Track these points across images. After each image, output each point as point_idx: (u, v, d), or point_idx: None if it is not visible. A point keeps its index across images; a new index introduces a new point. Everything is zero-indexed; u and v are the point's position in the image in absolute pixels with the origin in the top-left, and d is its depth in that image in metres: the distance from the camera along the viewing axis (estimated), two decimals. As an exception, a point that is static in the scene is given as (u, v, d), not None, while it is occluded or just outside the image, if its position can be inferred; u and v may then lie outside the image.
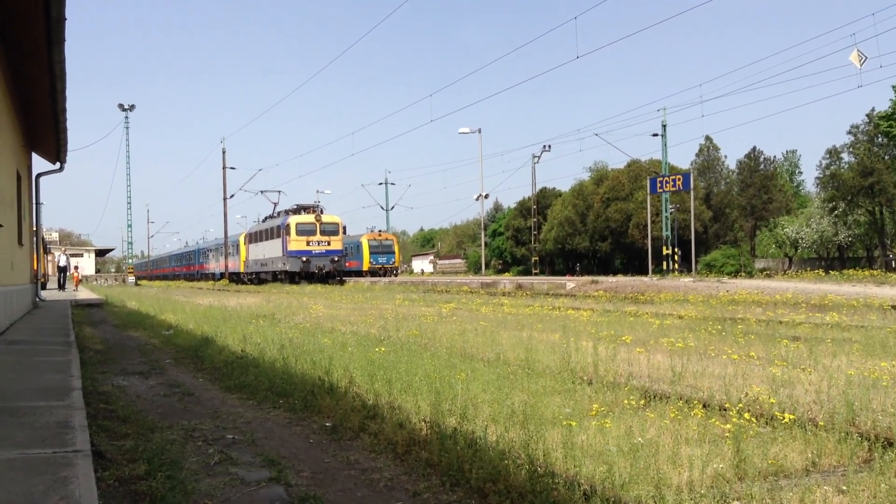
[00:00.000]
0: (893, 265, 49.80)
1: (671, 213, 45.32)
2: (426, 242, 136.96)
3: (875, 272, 34.13)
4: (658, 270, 39.44)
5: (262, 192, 57.24)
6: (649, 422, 5.20)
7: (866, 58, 27.60)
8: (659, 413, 5.40)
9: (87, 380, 7.34)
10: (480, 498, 3.96)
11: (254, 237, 53.77)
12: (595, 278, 31.07)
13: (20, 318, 14.76)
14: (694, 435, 4.90)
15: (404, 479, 4.35)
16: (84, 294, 33.43)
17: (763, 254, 68.41)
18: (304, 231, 45.01)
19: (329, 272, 44.80)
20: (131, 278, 62.79)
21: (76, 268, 49.79)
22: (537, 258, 59.06)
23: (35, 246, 21.53)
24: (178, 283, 68.19)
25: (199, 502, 3.94)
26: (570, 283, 29.32)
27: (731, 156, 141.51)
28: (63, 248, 55.92)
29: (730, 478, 4.14)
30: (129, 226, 60.72)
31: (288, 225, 45.10)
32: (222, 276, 61.29)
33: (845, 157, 54.28)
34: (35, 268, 21.61)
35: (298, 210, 47.43)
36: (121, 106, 55.74)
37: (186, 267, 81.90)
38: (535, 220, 59.18)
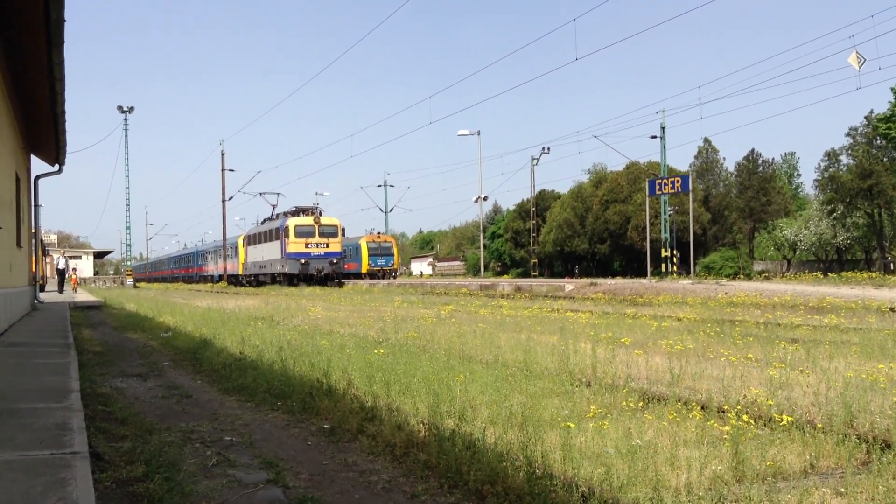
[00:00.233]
0: (892, 267, 49.84)
1: (670, 216, 45.34)
2: (425, 244, 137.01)
3: (874, 274, 34.17)
4: (657, 272, 39.46)
5: (260, 194, 57.24)
6: (647, 423, 5.20)
7: (865, 60, 27.65)
8: (657, 415, 5.40)
9: (86, 382, 7.33)
10: (479, 500, 3.96)
11: (252, 239, 53.74)
12: (594, 280, 31.08)
13: (19, 320, 14.75)
14: (692, 437, 4.90)
15: (402, 481, 4.35)
16: (82, 296, 33.41)
17: (762, 256, 68.51)
18: (302, 233, 44.98)
19: (328, 274, 44.77)
20: (130, 280, 62.68)
21: (74, 270, 49.76)
22: (536, 260, 59.09)
23: (34, 248, 21.52)
24: (176, 286, 68.15)
25: (198, 504, 3.94)
26: (569, 285, 29.33)
27: (730, 158, 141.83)
28: (62, 251, 55.94)
29: (728, 480, 4.14)
30: (128, 228, 60.71)
31: (287, 227, 45.09)
32: (221, 278, 61.24)
33: (844, 159, 54.44)
34: (33, 270, 21.60)
35: (297, 212, 47.40)
36: (120, 108, 55.75)
37: (185, 269, 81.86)
38: (533, 222, 59.21)
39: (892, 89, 46.13)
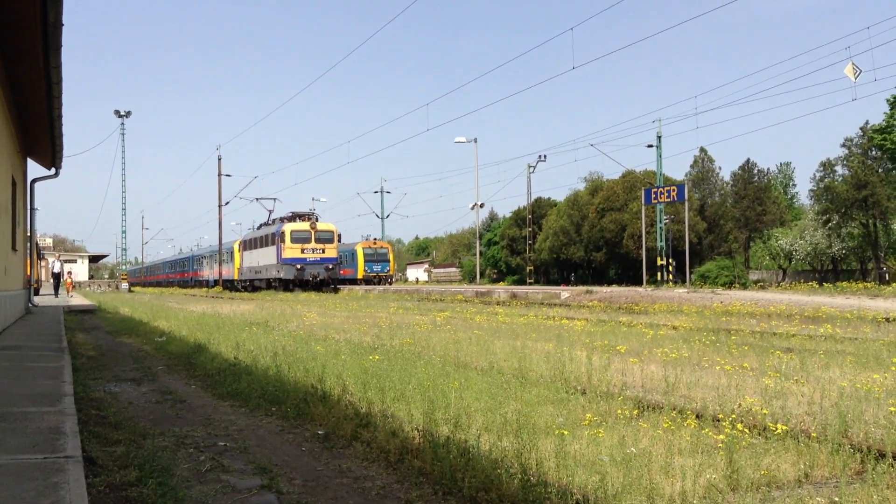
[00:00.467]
0: (887, 278, 49.93)
1: (666, 224, 45.42)
2: (421, 251, 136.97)
3: (869, 285, 34.24)
4: (652, 281, 39.51)
5: (257, 199, 57.24)
6: (642, 432, 5.19)
7: (861, 71, 27.80)
8: (652, 423, 5.39)
9: (79, 386, 7.31)
10: (473, 507, 3.95)
11: (248, 244, 53.69)
12: (589, 288, 31.09)
13: (13, 324, 14.71)
14: (687, 445, 4.90)
15: (397, 488, 4.34)
16: (77, 300, 33.34)
17: (757, 265, 68.64)
18: (298, 239, 44.94)
19: (323, 280, 44.72)
20: (125, 285, 62.56)
21: (69, 273, 49.66)
22: (532, 268, 59.11)
23: (29, 251, 21.47)
24: (171, 290, 68.03)
25: (191, 509, 3.92)
26: (565, 292, 29.34)
27: (726, 167, 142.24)
28: (57, 254, 55.79)
29: (722, 488, 4.13)
30: (124, 232, 60.63)
31: (283, 232, 45.05)
32: (216, 283, 61.17)
33: (839, 169, 54.50)
34: (28, 273, 21.55)
35: (293, 217, 47.36)
36: (117, 112, 55.75)
37: (180, 274, 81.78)
38: (530, 229, 59.23)
39: (887, 100, 46.29)
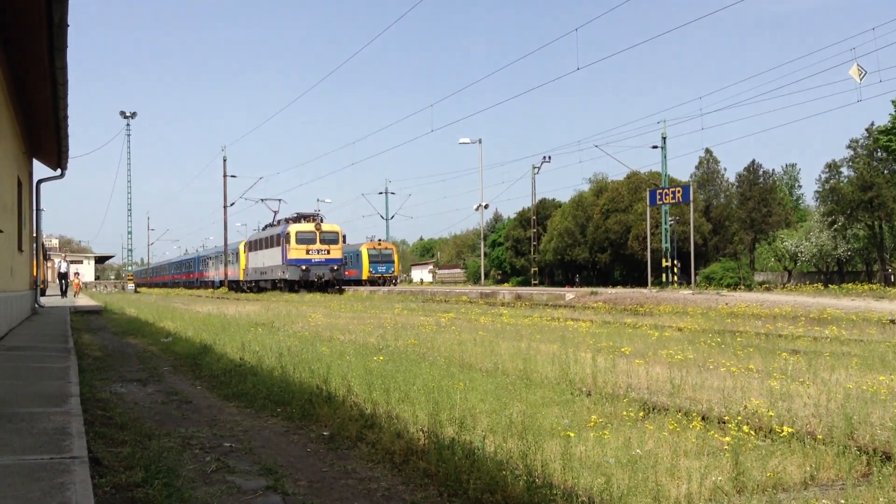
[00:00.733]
0: (892, 279, 49.81)
1: (671, 226, 45.38)
2: (426, 252, 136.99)
3: (874, 286, 34.14)
4: (657, 282, 39.46)
5: (262, 200, 57.46)
6: (648, 434, 5.19)
7: (866, 72, 27.69)
8: (658, 425, 5.39)
9: (85, 386, 7.33)
10: (478, 508, 3.95)
11: (253, 245, 53.77)
12: (594, 289, 31.06)
13: (19, 325, 14.75)
14: (692, 447, 4.90)
15: (402, 489, 4.34)
16: (83, 301, 33.43)
17: (762, 267, 68.51)
18: (303, 240, 44.99)
19: (328, 281, 44.75)
20: (131, 285, 62.69)
21: (77, 274, 49.77)
22: (536, 269, 59.09)
23: (35, 252, 21.53)
24: (177, 291, 68.14)
25: (196, 510, 3.93)
26: (570, 294, 29.32)
27: (731, 169, 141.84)
28: (63, 255, 55.95)
29: (728, 490, 4.13)
30: (129, 233, 60.79)
31: (288, 233, 45.11)
32: (222, 283, 61.27)
33: (845, 171, 54.46)
34: (34, 274, 21.61)
35: (298, 218, 47.43)
36: (122, 113, 55.88)
37: (186, 275, 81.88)
38: (534, 230, 59.23)
39: (892, 101, 46.18)
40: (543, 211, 68.61)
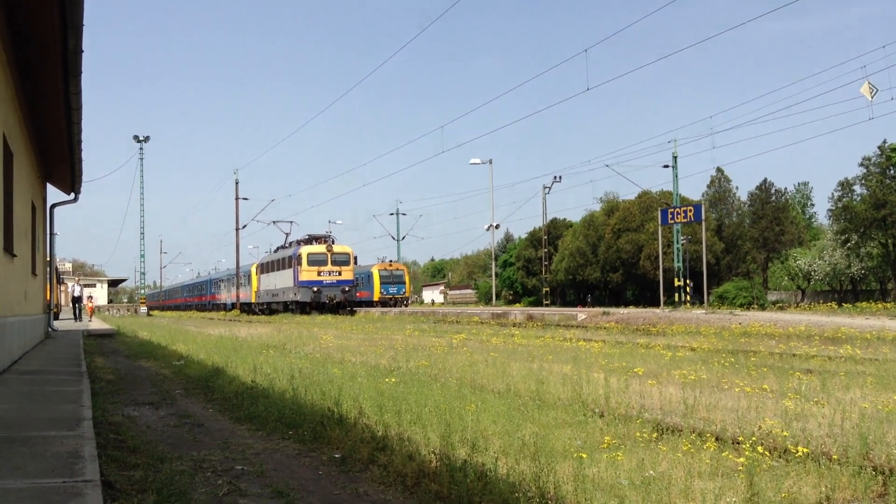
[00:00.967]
0: (907, 297, 49.37)
1: (683, 245, 45.21)
2: (437, 273, 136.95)
3: (889, 305, 33.86)
4: (670, 302, 39.27)
5: (274, 222, 57.66)
6: (661, 455, 5.15)
7: (878, 90, 27.65)
8: (671, 446, 5.35)
9: (98, 410, 7.34)
10: (490, 531, 3.93)
11: (265, 267, 53.97)
12: (606, 310, 30.95)
13: (33, 348, 14.82)
14: (706, 468, 4.86)
15: (414, 512, 4.32)
16: (96, 324, 33.58)
17: (775, 286, 68.05)
18: (315, 261, 45.13)
19: (340, 302, 44.81)
20: (143, 308, 62.93)
21: (90, 298, 50.03)
22: (548, 289, 58.95)
23: (48, 276, 21.68)
24: (189, 314, 68.37)
25: (208, 534, 3.92)
26: (582, 314, 29.23)
27: (743, 187, 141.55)
28: (76, 279, 56.23)
29: (743, 512, 4.09)
30: (142, 256, 61.08)
31: (299, 255, 45.27)
32: (234, 306, 61.43)
33: (857, 189, 54.10)
34: (48, 298, 21.74)
35: (310, 240, 47.61)
36: (136, 137, 56.30)
37: (198, 297, 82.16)
38: (545, 250, 59.16)
39: (905, 119, 46.06)
40: (555, 231, 68.58)
